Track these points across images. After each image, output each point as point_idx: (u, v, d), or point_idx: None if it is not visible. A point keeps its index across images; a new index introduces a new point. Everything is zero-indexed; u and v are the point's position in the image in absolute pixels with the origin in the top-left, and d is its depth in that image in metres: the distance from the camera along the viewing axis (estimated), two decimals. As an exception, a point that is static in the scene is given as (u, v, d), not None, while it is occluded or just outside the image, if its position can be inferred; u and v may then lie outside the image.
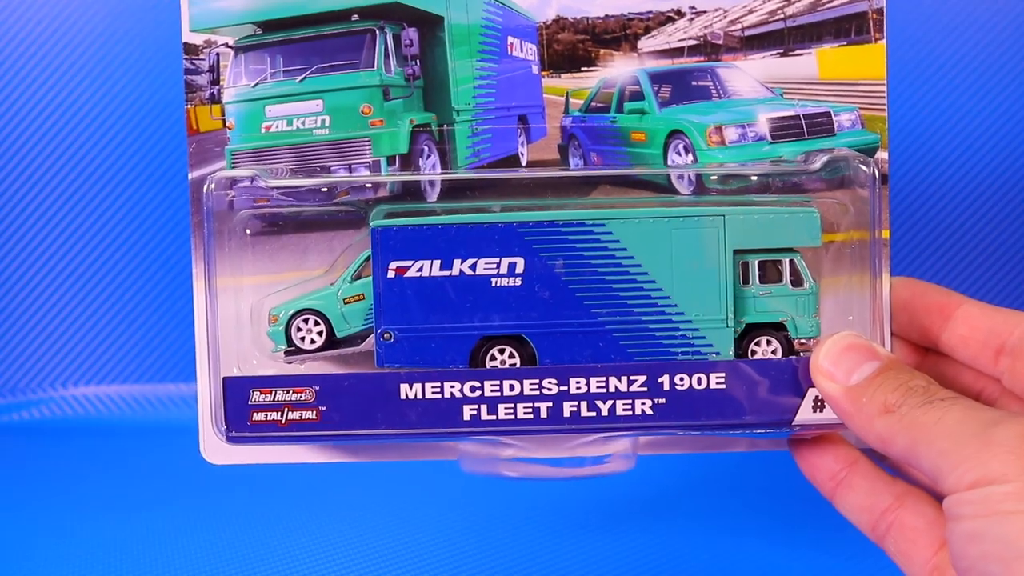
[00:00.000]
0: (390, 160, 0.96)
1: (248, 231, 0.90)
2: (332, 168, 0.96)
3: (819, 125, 0.98)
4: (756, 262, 0.90)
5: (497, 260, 0.87)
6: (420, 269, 0.87)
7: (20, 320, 1.62)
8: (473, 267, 0.87)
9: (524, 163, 0.97)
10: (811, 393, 0.86)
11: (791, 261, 0.90)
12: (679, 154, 0.97)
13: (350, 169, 0.96)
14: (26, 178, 1.61)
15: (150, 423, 1.70)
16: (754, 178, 0.91)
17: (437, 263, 0.87)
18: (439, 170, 0.97)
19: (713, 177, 0.91)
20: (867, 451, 0.90)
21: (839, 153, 0.90)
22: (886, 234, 0.91)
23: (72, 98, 1.65)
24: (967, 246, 1.65)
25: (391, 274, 0.87)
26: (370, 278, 0.88)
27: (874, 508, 0.89)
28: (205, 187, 0.88)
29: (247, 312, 0.91)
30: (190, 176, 0.95)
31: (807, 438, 0.90)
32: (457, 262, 0.87)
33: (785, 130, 0.97)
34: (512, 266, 0.87)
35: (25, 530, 1.33)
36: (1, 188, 1.62)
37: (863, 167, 0.89)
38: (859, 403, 0.78)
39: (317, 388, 0.85)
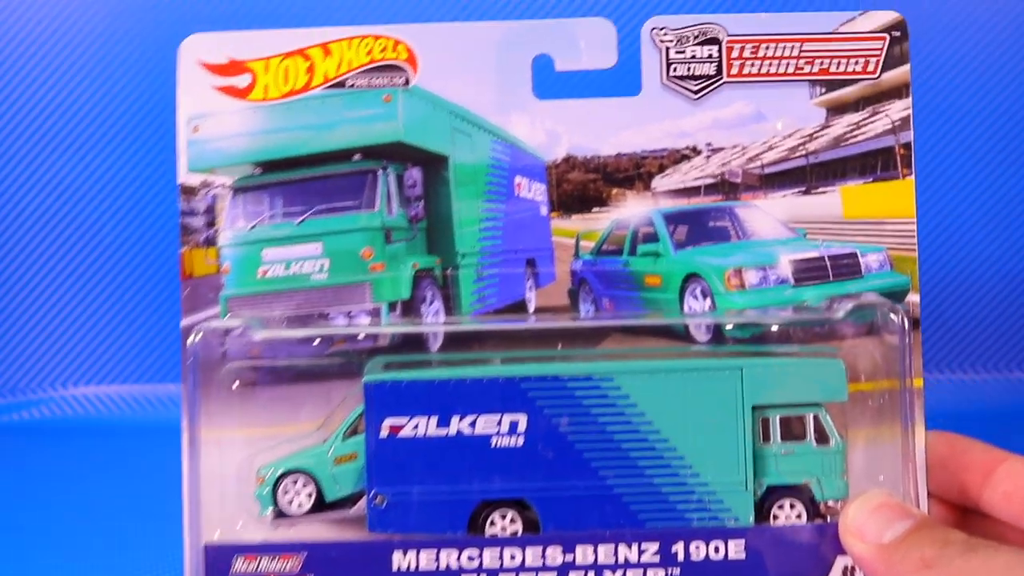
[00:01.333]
0: (391, 306, 0.92)
1: (237, 383, 0.86)
2: (331, 315, 0.92)
3: (845, 267, 0.92)
4: (777, 418, 0.84)
5: (498, 417, 0.82)
6: (416, 427, 0.82)
7: (20, 320, 1.58)
8: (472, 425, 0.82)
9: (532, 309, 0.93)
10: (840, 562, 0.79)
11: (815, 416, 0.84)
12: (696, 299, 0.92)
13: (349, 316, 0.92)
14: (25, 178, 1.57)
15: (150, 423, 1.67)
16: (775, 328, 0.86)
17: (434, 421, 0.82)
18: (442, 316, 0.92)
19: (729, 325, 0.86)
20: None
21: (866, 299, 0.85)
22: (919, 383, 0.85)
23: (72, 98, 1.63)
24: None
25: (384, 433, 0.82)
26: (362, 436, 0.84)
27: None
28: (191, 338, 0.84)
29: (234, 469, 0.86)
30: (183, 323, 0.92)
31: None
32: (455, 420, 0.82)
33: (809, 272, 0.92)
34: (514, 424, 0.82)
35: (25, 530, 1.31)
36: (1, 188, 1.60)
37: (892, 315, 0.83)
38: (892, 561, 0.73)
39: (305, 555, 0.80)
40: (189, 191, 0.93)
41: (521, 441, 0.82)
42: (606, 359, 0.85)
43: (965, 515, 0.88)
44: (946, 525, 0.77)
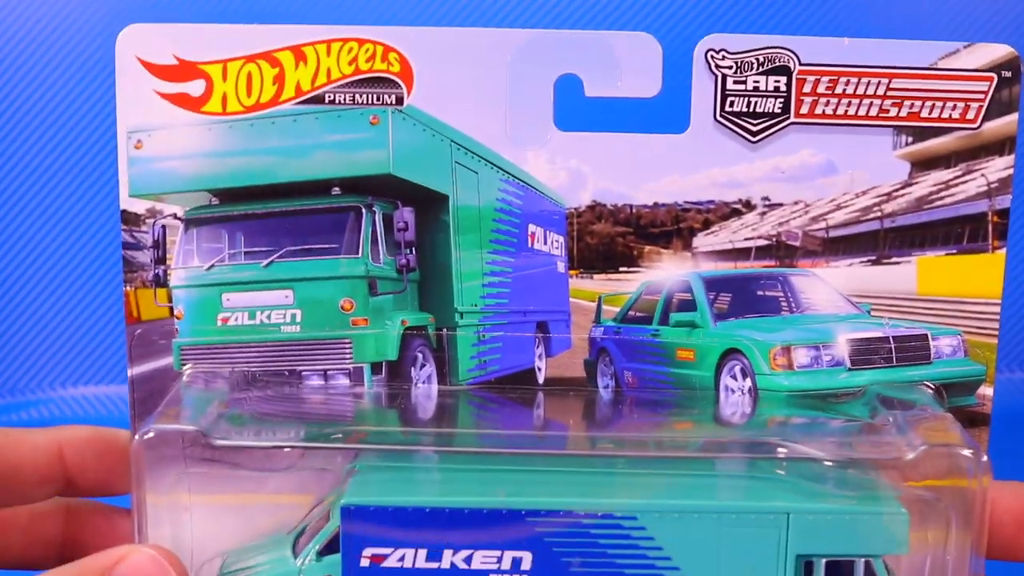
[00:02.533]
0: (375, 367, 0.56)
1: (189, 490, 0.50)
2: (304, 373, 0.56)
3: (912, 350, 0.56)
4: (823, 562, 0.46)
5: (498, 554, 0.46)
6: (401, 559, 0.46)
7: (20, 320, 1.20)
8: (468, 560, 0.46)
9: (541, 380, 0.57)
10: None
11: (867, 562, 0.47)
12: (735, 378, 0.56)
13: (326, 376, 0.57)
14: (25, 177, 1.16)
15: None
16: (829, 461, 0.49)
17: (423, 553, 0.47)
18: (435, 383, 0.57)
19: (780, 471, 0.49)
20: None
21: (936, 441, 0.49)
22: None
23: (66, 104, 1.14)
24: None
25: (365, 562, 0.47)
26: (340, 556, 0.47)
27: None
28: (136, 438, 0.46)
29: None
30: (130, 372, 0.56)
31: None
32: (448, 554, 0.46)
33: (869, 355, 0.56)
34: (517, 562, 0.46)
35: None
36: (1, 189, 1.18)
37: (967, 453, 0.48)
38: None
39: None
40: (132, 219, 0.56)
41: None
42: (628, 478, 0.49)
43: None
44: None
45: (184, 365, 0.54)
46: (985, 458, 0.46)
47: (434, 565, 0.45)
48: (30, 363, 1.13)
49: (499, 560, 0.45)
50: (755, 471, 0.48)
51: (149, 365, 0.55)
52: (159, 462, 0.46)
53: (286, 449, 0.47)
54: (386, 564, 0.45)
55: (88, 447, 0.54)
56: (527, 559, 0.45)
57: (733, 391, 0.55)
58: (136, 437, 0.45)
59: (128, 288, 0.54)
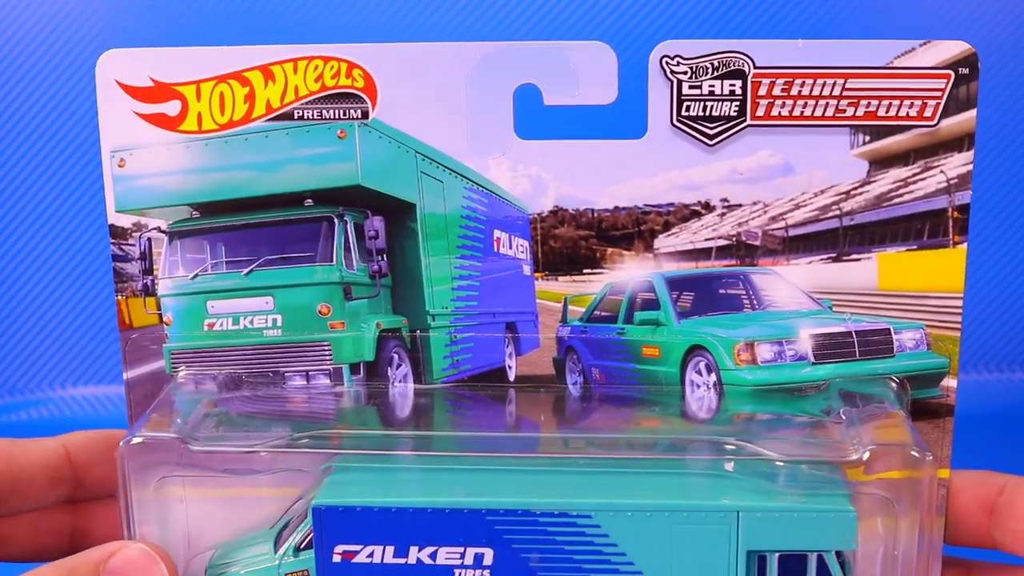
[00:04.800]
0: (354, 368, 0.58)
1: (181, 498, 0.53)
2: (286, 374, 0.59)
3: (874, 344, 0.57)
4: (776, 557, 0.48)
5: (461, 550, 0.49)
6: (371, 555, 0.49)
7: (20, 320, 1.22)
8: (433, 556, 0.49)
9: (512, 377, 0.58)
10: None
11: (819, 556, 0.48)
12: (700, 373, 0.58)
13: (308, 376, 0.59)
14: (25, 177, 1.18)
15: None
16: (780, 462, 0.50)
17: (390, 550, 0.49)
18: (411, 381, 0.59)
19: (729, 466, 0.50)
20: None
21: (889, 440, 0.49)
22: (944, 474, 0.52)
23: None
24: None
25: (337, 559, 0.49)
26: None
27: None
28: (119, 447, 0.49)
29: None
30: (125, 375, 0.59)
31: None
32: (414, 550, 0.48)
33: (832, 349, 0.56)
34: (479, 557, 0.48)
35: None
36: (1, 188, 1.23)
37: (915, 454, 0.48)
38: None
39: None
40: (120, 233, 0.59)
41: (487, 575, 0.50)
42: (584, 477, 0.50)
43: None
44: None
45: (175, 368, 0.57)
46: (930, 456, 0.47)
47: (401, 561, 0.48)
48: (30, 363, 1.16)
49: (462, 556, 0.47)
50: (710, 470, 0.49)
51: (143, 368, 0.58)
52: (143, 467, 0.49)
53: (262, 454, 0.50)
54: (356, 560, 0.48)
55: (93, 448, 0.58)
56: (488, 555, 0.47)
57: (699, 386, 0.56)
58: (120, 443, 0.49)
59: (119, 297, 0.57)
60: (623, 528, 0.46)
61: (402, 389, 0.57)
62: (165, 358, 0.57)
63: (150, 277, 0.57)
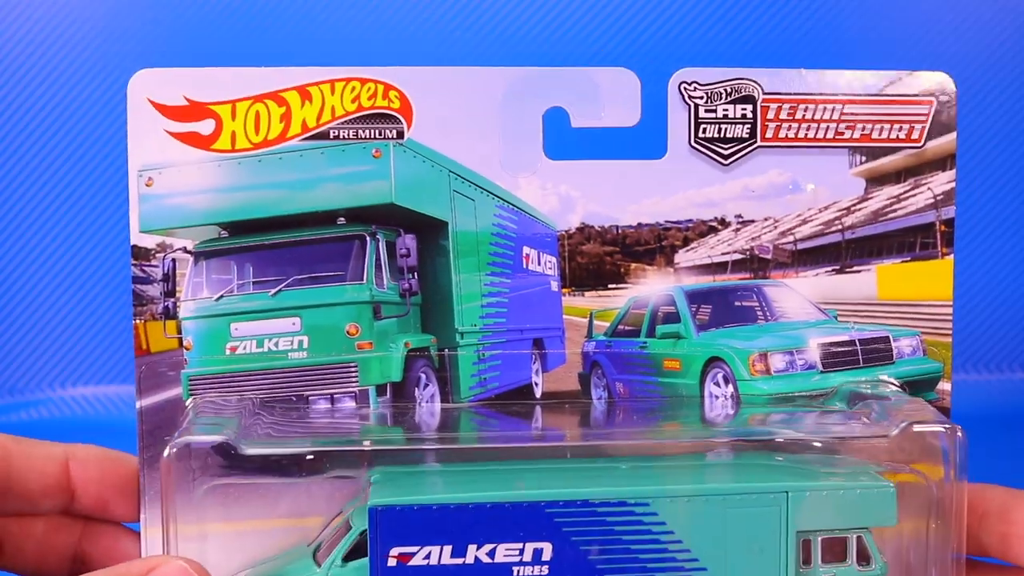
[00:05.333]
0: (380, 389, 0.58)
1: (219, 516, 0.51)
2: (311, 397, 0.58)
3: (876, 352, 0.61)
4: (819, 539, 0.50)
5: (520, 546, 0.49)
6: (427, 557, 0.48)
7: (20, 320, 1.15)
8: (491, 554, 0.48)
9: (539, 394, 0.60)
10: None
11: (859, 538, 0.51)
12: (718, 385, 0.60)
13: (332, 400, 0.59)
14: (25, 176, 1.12)
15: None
16: (818, 443, 0.54)
17: (448, 550, 0.49)
18: (438, 402, 0.59)
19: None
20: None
21: (914, 425, 0.53)
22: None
23: (71, 97, 1.10)
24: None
25: (392, 562, 0.48)
26: (366, 560, 0.48)
27: None
28: (166, 452, 0.47)
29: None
30: (139, 404, 0.57)
31: None
32: (472, 548, 0.48)
33: (838, 358, 0.60)
34: (538, 552, 0.48)
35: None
36: (1, 188, 1.19)
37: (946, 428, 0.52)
38: None
39: None
40: (142, 254, 0.58)
41: (546, 571, 0.49)
42: (635, 470, 0.52)
43: None
44: None
45: (193, 395, 0.56)
46: (960, 432, 0.50)
47: (459, 561, 0.47)
48: (30, 363, 1.10)
49: (521, 552, 0.47)
50: (750, 458, 0.52)
51: (157, 397, 0.56)
52: (185, 473, 0.47)
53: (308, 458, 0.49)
54: (412, 563, 0.47)
55: (95, 465, 0.55)
56: (548, 549, 0.47)
57: (717, 397, 0.59)
58: (166, 450, 0.47)
59: (137, 321, 0.56)
60: (679, 514, 0.47)
61: (428, 408, 0.57)
62: (183, 384, 0.56)
63: (172, 299, 0.56)
